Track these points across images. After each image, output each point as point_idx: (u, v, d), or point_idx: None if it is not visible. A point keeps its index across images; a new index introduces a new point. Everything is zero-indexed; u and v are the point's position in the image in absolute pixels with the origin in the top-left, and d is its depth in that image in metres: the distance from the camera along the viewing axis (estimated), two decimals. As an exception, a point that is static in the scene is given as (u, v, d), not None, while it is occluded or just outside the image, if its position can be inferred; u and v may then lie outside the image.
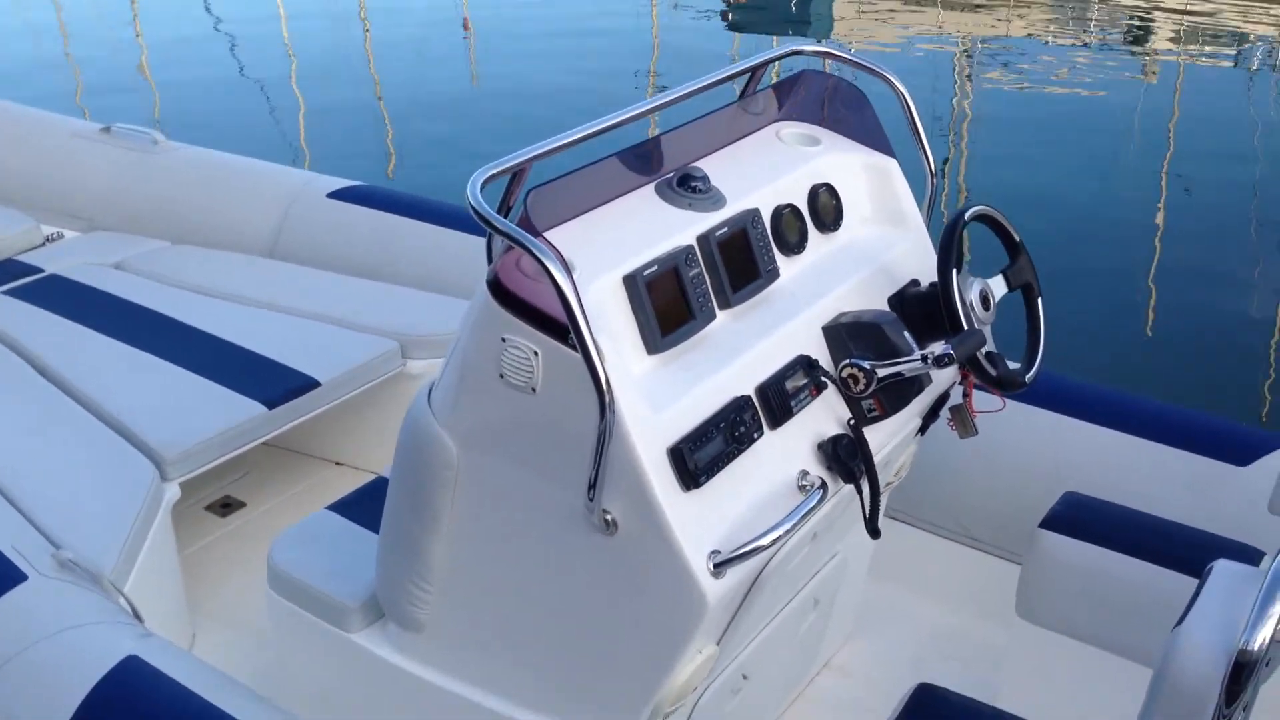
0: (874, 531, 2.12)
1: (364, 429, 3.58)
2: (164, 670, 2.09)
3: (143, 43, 11.10)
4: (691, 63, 10.42)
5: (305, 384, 3.17)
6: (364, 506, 2.62)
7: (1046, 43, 11.10)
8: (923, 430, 2.52)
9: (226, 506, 3.52)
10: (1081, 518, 2.50)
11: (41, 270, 3.86)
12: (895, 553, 3.10)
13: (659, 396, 1.86)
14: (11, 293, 3.68)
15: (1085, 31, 11.47)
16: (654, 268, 1.94)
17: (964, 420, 2.48)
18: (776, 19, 12.29)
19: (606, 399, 1.73)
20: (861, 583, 2.88)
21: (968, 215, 2.24)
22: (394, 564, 2.19)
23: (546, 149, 1.93)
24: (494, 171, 1.85)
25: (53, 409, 3.04)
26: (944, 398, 2.48)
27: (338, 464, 3.70)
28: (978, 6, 12.47)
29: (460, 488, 2.03)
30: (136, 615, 2.44)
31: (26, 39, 11.08)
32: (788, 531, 1.86)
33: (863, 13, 12.21)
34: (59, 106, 8.32)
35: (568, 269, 1.77)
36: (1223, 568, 1.62)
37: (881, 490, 2.56)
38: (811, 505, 1.92)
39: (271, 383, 3.16)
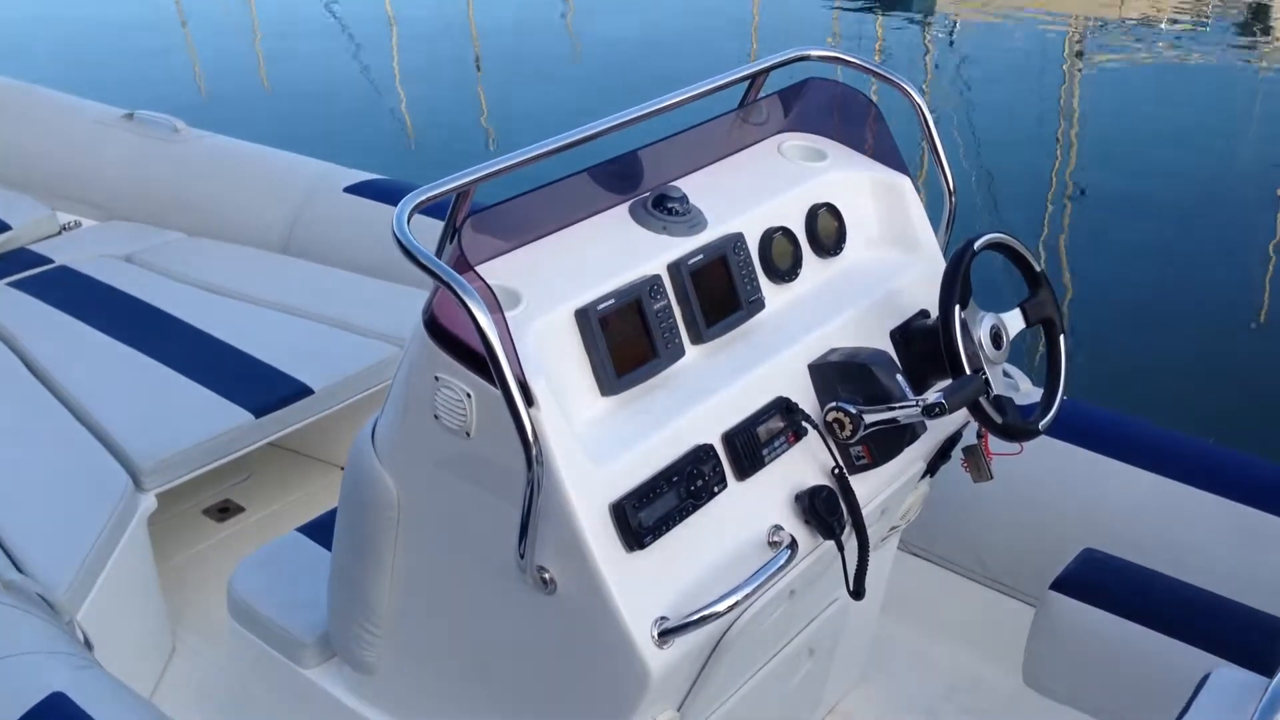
0: (857, 593, 1.92)
1: None
2: (89, 711, 1.97)
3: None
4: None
5: (297, 391, 3.05)
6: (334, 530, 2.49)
7: (1160, 24, 10.62)
8: (931, 472, 2.31)
9: (224, 511, 3.41)
10: (1098, 579, 2.27)
11: (52, 261, 3.78)
12: (909, 589, 2.90)
13: (607, 445, 1.69)
14: (18, 284, 3.61)
15: (1202, 13, 10.97)
16: (611, 301, 1.76)
17: (978, 464, 2.27)
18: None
19: (533, 450, 1.56)
20: (871, 626, 2.68)
21: (978, 244, 2.02)
22: (341, 604, 2.05)
23: (490, 170, 1.75)
24: (424, 197, 1.68)
25: (36, 410, 2.95)
26: (956, 437, 2.27)
27: (342, 469, 3.57)
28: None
29: (402, 530, 1.88)
30: (87, 642, 2.33)
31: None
32: (748, 596, 1.68)
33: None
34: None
35: (496, 305, 1.60)
36: (1222, 677, 1.40)
37: (883, 539, 2.36)
38: (778, 567, 1.73)
39: (263, 389, 3.04)
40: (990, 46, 10.20)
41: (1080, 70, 9.44)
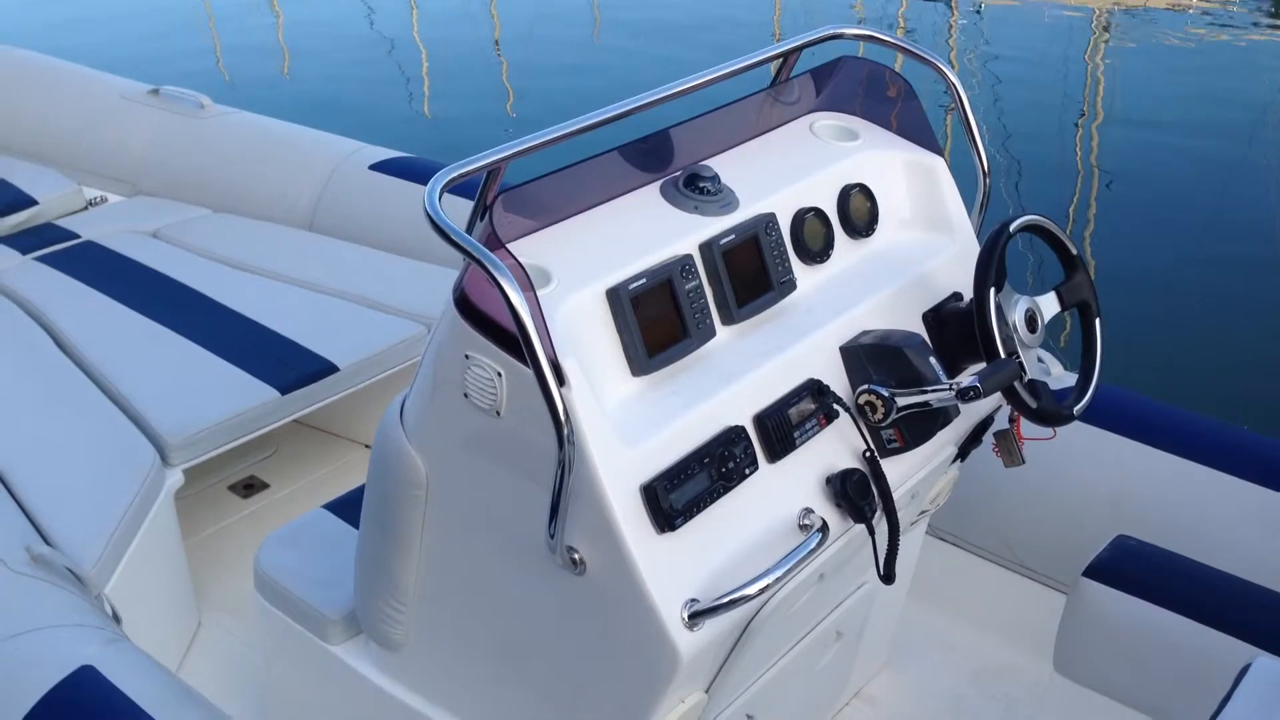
0: (888, 577, 1.90)
1: None
2: (117, 684, 1.98)
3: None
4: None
5: (322, 369, 3.04)
6: (360, 507, 2.48)
7: (1190, 4, 10.48)
8: (962, 457, 2.29)
9: (250, 488, 3.42)
10: (1132, 567, 2.25)
11: (78, 236, 3.79)
12: (937, 574, 2.88)
13: (638, 425, 1.67)
14: (45, 259, 3.61)
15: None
16: (643, 280, 1.75)
17: (1010, 449, 2.25)
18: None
19: (564, 430, 1.55)
20: (898, 610, 2.67)
21: (1014, 226, 2.00)
22: (368, 581, 2.05)
23: (521, 148, 1.73)
24: (456, 174, 1.66)
25: (64, 385, 2.96)
26: (988, 422, 2.24)
27: (367, 446, 3.58)
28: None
29: (430, 508, 1.87)
30: (115, 615, 2.34)
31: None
32: (779, 579, 1.67)
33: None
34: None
35: (528, 283, 1.58)
36: (1263, 668, 1.38)
37: (912, 523, 2.34)
38: (809, 550, 1.71)
39: (288, 366, 3.04)
40: (1019, 25, 10.08)
41: (1104, 59, 9.32)
